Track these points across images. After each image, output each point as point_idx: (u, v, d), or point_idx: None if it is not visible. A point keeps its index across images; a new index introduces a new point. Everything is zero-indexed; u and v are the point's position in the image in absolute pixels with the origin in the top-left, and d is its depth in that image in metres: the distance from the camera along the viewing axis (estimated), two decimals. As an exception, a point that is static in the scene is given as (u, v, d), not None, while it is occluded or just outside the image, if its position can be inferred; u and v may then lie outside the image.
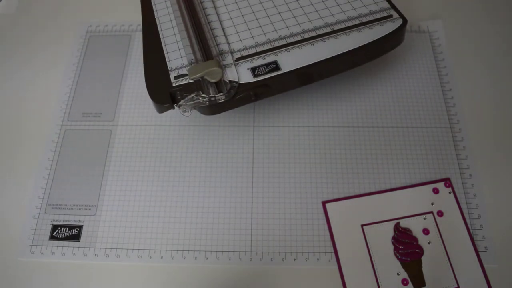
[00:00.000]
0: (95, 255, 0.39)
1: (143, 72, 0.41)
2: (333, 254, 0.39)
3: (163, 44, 0.42)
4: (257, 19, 0.43)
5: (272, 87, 0.39)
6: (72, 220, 0.41)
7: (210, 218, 0.41)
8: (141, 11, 0.46)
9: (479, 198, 0.41)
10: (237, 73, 0.39)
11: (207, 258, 0.39)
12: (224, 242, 0.39)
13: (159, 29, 0.44)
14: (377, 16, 0.42)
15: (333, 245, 0.39)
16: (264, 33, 0.42)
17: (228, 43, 0.41)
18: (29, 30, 0.53)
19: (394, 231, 0.39)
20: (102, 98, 0.47)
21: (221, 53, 0.40)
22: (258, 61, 0.39)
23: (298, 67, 0.39)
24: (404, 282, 0.37)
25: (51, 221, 0.41)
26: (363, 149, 0.43)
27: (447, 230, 0.39)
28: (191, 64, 0.40)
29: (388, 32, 0.40)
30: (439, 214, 0.40)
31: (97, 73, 0.49)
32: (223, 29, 0.43)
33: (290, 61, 0.39)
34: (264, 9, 0.44)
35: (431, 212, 0.40)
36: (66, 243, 0.40)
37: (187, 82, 0.38)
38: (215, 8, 0.45)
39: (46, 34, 0.52)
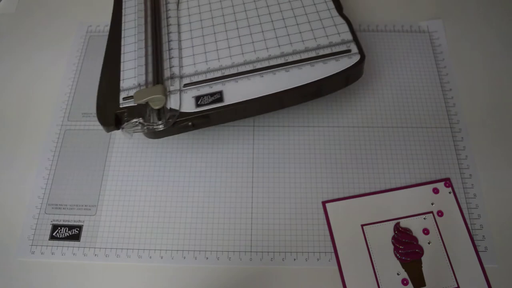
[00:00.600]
0: (95, 255, 0.39)
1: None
2: (333, 254, 0.39)
3: (122, 60, 0.42)
4: (216, 41, 0.42)
5: (212, 118, 0.38)
6: (72, 220, 0.41)
7: (210, 218, 0.41)
8: (110, 23, 0.45)
9: (479, 198, 0.41)
10: (180, 101, 0.38)
11: (207, 258, 0.39)
12: (224, 242, 0.39)
13: (122, 43, 0.43)
14: (336, 49, 0.40)
15: (333, 245, 0.39)
16: (218, 58, 0.40)
17: (181, 66, 0.40)
18: (29, 30, 0.53)
19: (394, 231, 0.39)
20: (102, 98, 0.47)
21: (172, 77, 0.40)
22: (205, 89, 0.39)
23: (240, 100, 0.38)
24: (404, 282, 0.37)
25: (51, 221, 0.41)
26: (363, 149, 0.43)
27: (447, 230, 0.39)
28: (140, 86, 0.39)
29: (342, 69, 0.38)
30: (439, 214, 0.40)
31: (97, 73, 0.49)
32: (180, 49, 0.42)
33: (235, 92, 0.38)
34: (226, 31, 0.42)
35: (431, 212, 0.40)
36: (66, 243, 0.40)
37: (133, 104, 0.38)
38: (179, 25, 0.44)
39: (46, 34, 0.52)
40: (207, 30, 0.43)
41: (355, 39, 0.40)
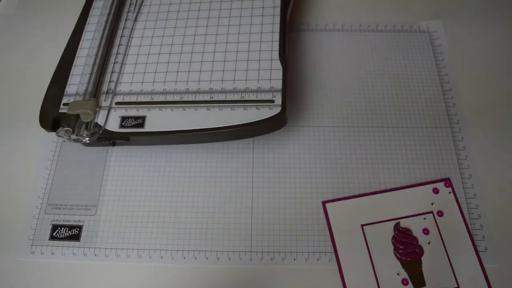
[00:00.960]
0: (95, 255, 0.39)
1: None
2: (333, 254, 0.39)
3: (74, 63, 0.43)
4: (157, 63, 0.42)
5: (132, 140, 0.40)
6: (72, 220, 0.41)
7: (210, 218, 0.40)
8: (78, 19, 0.47)
9: (479, 198, 0.41)
10: (107, 118, 0.40)
11: (207, 258, 0.39)
12: (224, 242, 0.39)
13: (79, 45, 0.44)
14: (261, 96, 0.39)
15: (333, 245, 0.39)
16: (153, 82, 0.41)
17: (119, 83, 0.42)
18: (29, 30, 0.53)
19: (394, 231, 0.39)
20: (102, 98, 0.47)
21: (108, 92, 0.41)
22: (132, 111, 0.40)
23: (157, 130, 0.39)
24: (404, 282, 0.37)
25: (51, 221, 0.41)
26: (363, 149, 0.43)
27: (447, 230, 0.39)
28: (79, 96, 0.41)
29: (261, 118, 0.38)
30: (439, 214, 0.40)
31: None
32: (123, 64, 0.42)
33: (156, 121, 0.39)
34: (169, 53, 0.43)
35: (431, 212, 0.40)
36: (66, 243, 0.40)
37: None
38: (130, 38, 0.44)
39: (46, 34, 0.52)
40: (153, 49, 0.43)
41: (283, 90, 0.39)
